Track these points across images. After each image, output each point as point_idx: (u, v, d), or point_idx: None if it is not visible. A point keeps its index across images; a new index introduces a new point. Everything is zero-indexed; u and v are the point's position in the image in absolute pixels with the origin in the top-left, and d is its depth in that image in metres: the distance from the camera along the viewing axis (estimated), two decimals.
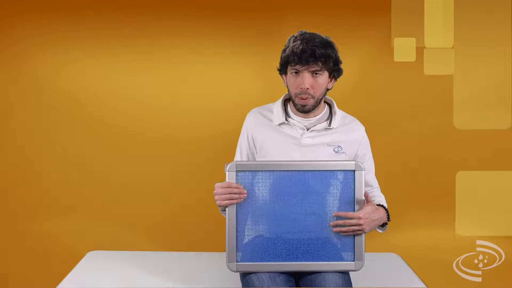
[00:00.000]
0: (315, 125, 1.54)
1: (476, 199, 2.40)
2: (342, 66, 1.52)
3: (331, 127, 1.53)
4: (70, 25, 2.36)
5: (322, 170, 1.41)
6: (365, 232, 1.41)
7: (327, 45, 1.45)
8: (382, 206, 1.51)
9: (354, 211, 1.42)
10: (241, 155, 1.63)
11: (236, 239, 1.42)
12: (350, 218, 1.40)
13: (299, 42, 1.43)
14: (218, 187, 1.41)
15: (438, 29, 2.33)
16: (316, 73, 1.45)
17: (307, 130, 1.53)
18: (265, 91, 2.38)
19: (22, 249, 2.42)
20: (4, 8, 2.35)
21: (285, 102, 1.60)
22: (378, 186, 1.65)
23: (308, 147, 1.52)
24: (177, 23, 2.38)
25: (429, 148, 2.43)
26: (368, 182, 1.60)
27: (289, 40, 1.48)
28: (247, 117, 1.63)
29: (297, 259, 1.43)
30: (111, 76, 2.41)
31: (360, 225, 1.38)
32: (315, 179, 1.42)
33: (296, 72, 1.46)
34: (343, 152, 1.53)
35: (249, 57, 2.40)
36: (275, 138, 1.54)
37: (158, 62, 2.40)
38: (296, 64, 1.43)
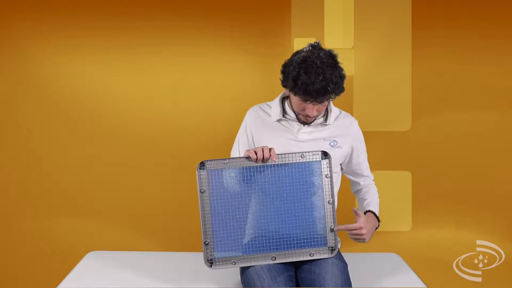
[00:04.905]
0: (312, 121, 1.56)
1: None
2: (344, 62, 1.50)
3: (326, 123, 1.57)
4: (70, 25, 2.36)
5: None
6: (366, 241, 1.47)
7: (338, 74, 1.41)
8: (370, 211, 1.58)
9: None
10: (239, 149, 1.65)
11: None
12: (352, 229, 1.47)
13: (311, 76, 1.36)
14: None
15: (338, 30, 2.32)
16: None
17: (304, 125, 1.56)
18: (265, 91, 2.38)
19: (22, 249, 2.42)
20: (4, 7, 2.35)
21: (283, 100, 1.61)
22: (371, 175, 1.71)
23: (305, 142, 1.55)
24: (178, 23, 2.38)
25: (428, 148, 2.43)
26: (363, 173, 1.67)
27: (295, 64, 1.41)
28: (247, 113, 1.66)
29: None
30: (111, 75, 2.41)
31: (362, 234, 1.45)
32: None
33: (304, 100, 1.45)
34: (338, 147, 1.57)
35: (249, 57, 2.40)
36: (273, 134, 1.57)
37: (158, 61, 2.41)
38: (307, 100, 1.43)
